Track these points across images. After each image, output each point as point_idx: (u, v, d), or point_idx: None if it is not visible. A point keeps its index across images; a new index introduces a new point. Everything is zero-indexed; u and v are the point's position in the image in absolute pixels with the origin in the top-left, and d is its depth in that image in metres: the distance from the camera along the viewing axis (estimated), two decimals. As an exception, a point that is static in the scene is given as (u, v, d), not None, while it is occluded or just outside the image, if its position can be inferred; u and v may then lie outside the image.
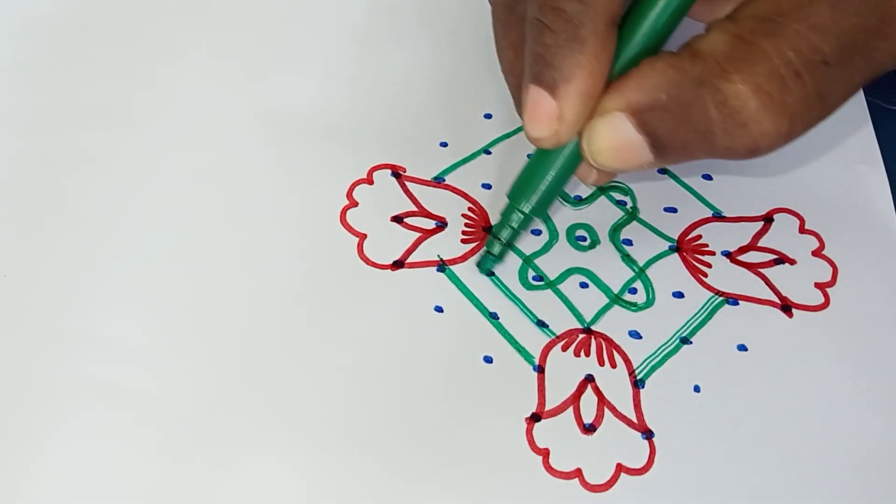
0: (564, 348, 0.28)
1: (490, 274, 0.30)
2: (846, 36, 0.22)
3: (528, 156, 0.28)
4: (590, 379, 0.28)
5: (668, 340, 0.29)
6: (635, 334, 0.29)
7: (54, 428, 0.26)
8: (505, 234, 0.29)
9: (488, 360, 0.28)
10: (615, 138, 0.24)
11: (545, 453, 0.27)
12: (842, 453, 0.27)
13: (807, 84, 0.23)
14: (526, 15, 0.25)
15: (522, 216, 0.28)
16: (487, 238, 0.29)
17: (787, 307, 0.30)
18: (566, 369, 0.28)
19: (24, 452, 0.26)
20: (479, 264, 0.30)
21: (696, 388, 0.28)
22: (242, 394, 0.27)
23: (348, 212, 0.31)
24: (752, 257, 0.31)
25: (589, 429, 0.27)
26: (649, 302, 0.30)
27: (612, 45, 0.24)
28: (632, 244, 0.31)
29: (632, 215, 0.32)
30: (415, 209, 0.31)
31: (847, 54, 0.23)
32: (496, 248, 0.29)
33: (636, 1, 0.25)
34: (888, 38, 0.23)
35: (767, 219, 0.32)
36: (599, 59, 0.24)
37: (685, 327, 0.29)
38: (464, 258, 0.30)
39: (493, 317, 0.29)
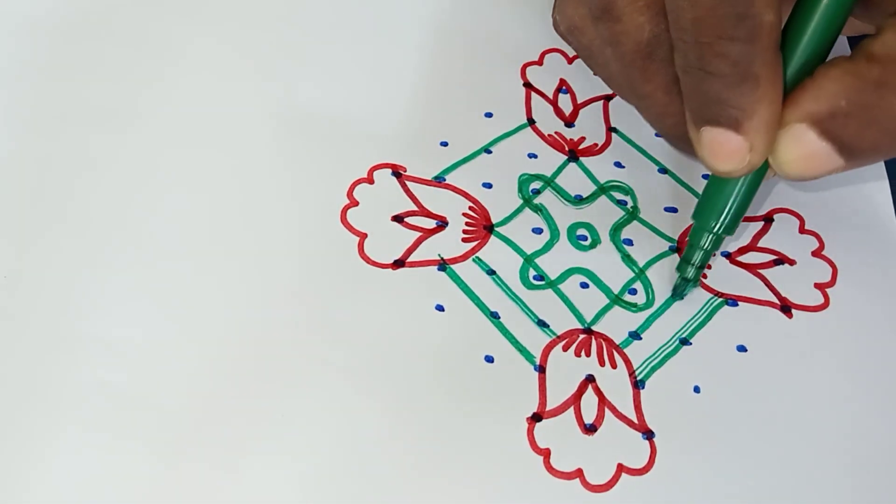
0: (565, 348, 0.29)
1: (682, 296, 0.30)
2: None
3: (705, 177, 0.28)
4: (590, 379, 0.28)
5: (668, 341, 0.29)
6: (635, 335, 0.29)
7: (56, 429, 0.26)
8: (697, 258, 0.29)
9: (489, 359, 0.28)
10: (801, 149, 0.25)
11: (546, 453, 0.27)
12: (842, 453, 0.27)
13: None
14: (673, 59, 0.25)
15: (714, 237, 0.28)
16: (678, 264, 0.29)
17: (786, 308, 0.30)
18: (567, 369, 0.28)
19: (26, 453, 0.26)
20: (674, 292, 0.30)
21: (696, 389, 0.28)
22: (243, 394, 0.27)
23: (349, 211, 0.31)
24: (751, 258, 0.31)
25: (590, 429, 0.27)
26: (649, 303, 0.30)
27: (780, 66, 0.24)
28: (632, 244, 0.31)
29: (632, 215, 0.32)
30: (415, 208, 0.31)
31: None
32: (691, 273, 0.29)
33: (795, 11, 0.25)
34: None
35: (767, 219, 0.32)
36: (776, 86, 0.24)
37: (685, 328, 0.29)
38: (464, 257, 0.30)
39: (493, 316, 0.29)
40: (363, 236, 0.30)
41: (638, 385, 0.28)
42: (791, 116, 0.25)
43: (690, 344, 0.29)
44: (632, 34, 0.27)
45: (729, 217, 0.27)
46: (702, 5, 0.23)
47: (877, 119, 0.24)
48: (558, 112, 0.34)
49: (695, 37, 0.24)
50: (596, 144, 0.33)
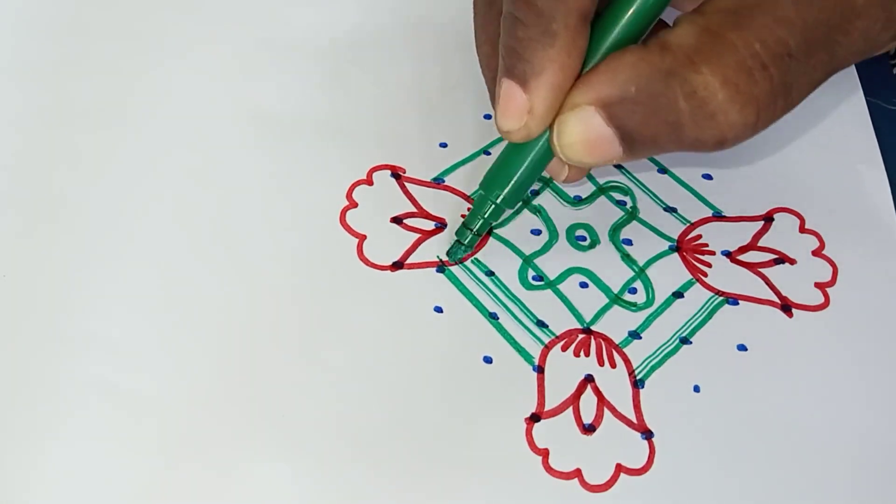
0: (564, 348, 0.28)
1: (459, 262, 0.30)
2: (810, 30, 0.23)
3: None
4: (589, 379, 0.28)
5: (668, 340, 0.29)
6: (635, 334, 0.29)
7: (53, 428, 0.26)
8: (476, 224, 0.29)
9: (488, 360, 0.28)
10: (585, 132, 0.25)
11: (545, 453, 0.27)
12: (842, 453, 0.27)
13: (773, 76, 0.23)
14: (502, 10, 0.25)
15: (493, 206, 0.28)
16: (458, 227, 0.29)
17: (787, 307, 0.30)
18: (566, 369, 0.28)
19: (24, 452, 0.26)
20: (448, 253, 0.30)
21: (696, 388, 0.28)
22: (242, 394, 0.27)
23: (348, 213, 0.31)
24: (752, 257, 0.31)
25: (588, 429, 0.27)
26: (649, 302, 0.30)
27: (584, 40, 0.24)
28: (632, 244, 0.31)
29: (632, 215, 0.32)
30: (414, 210, 0.31)
31: (811, 48, 0.23)
32: (466, 238, 0.29)
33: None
34: (849, 34, 0.23)
35: (767, 218, 0.32)
36: (570, 53, 0.24)
37: (685, 327, 0.29)
38: (463, 259, 0.30)
39: (492, 317, 0.29)
40: (362, 238, 0.30)
41: (637, 384, 0.28)
42: (580, 98, 0.24)
43: (690, 343, 0.29)
44: None
45: (509, 190, 0.27)
46: None
47: (661, 109, 0.23)
48: (557, 113, 0.34)
49: None
50: (595, 145, 0.33)
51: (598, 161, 0.25)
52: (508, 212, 0.29)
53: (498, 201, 0.28)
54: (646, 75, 0.23)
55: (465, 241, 0.29)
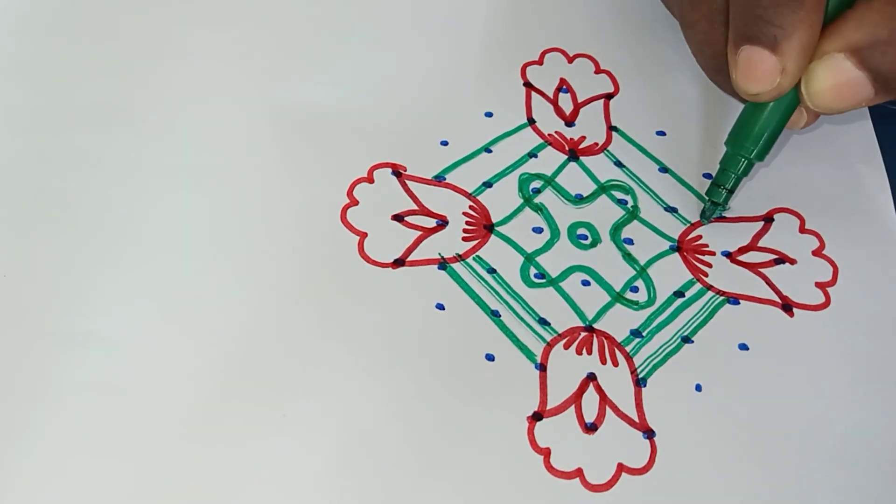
0: (566, 346, 0.28)
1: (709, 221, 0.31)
2: None
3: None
4: (591, 377, 0.28)
5: (670, 339, 0.29)
6: (637, 333, 0.29)
7: (53, 427, 0.26)
8: (729, 183, 0.30)
9: (490, 357, 0.28)
10: (836, 78, 0.26)
11: (546, 453, 0.27)
12: (842, 452, 0.27)
13: None
14: None
15: (746, 162, 0.29)
16: (709, 188, 0.30)
17: (787, 306, 0.30)
18: (568, 368, 0.28)
19: (23, 452, 0.26)
20: (703, 214, 0.31)
21: (698, 388, 0.28)
22: (242, 393, 0.27)
23: (349, 210, 0.31)
24: (752, 257, 0.31)
25: (590, 428, 0.27)
26: (650, 300, 0.30)
27: None
28: (633, 243, 0.31)
29: (633, 214, 0.32)
30: (415, 208, 0.31)
31: None
32: (721, 197, 0.30)
33: None
34: None
35: (767, 219, 0.32)
36: (818, 10, 0.26)
37: (686, 326, 0.29)
38: (465, 256, 0.30)
39: (494, 315, 0.29)
40: (363, 235, 0.30)
41: (639, 383, 0.28)
42: (830, 46, 0.26)
43: (692, 342, 0.29)
44: None
45: (762, 142, 0.29)
46: None
47: None
48: (558, 111, 0.34)
49: None
50: (596, 144, 0.33)
51: (847, 105, 0.27)
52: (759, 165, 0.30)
53: (752, 157, 0.29)
54: None
55: (721, 200, 0.30)
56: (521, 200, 0.32)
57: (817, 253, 0.31)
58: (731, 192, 0.30)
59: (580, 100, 0.34)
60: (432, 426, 0.27)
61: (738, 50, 0.27)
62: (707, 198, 0.31)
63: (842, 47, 0.26)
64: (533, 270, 0.30)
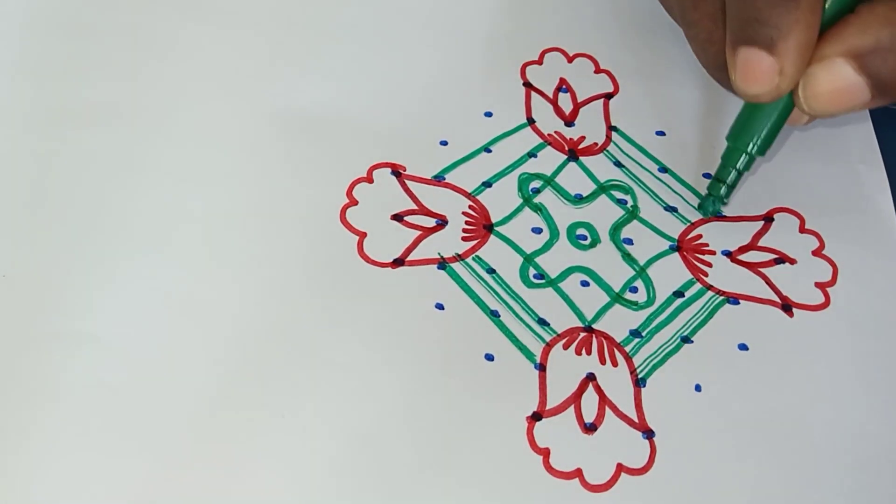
0: (566, 346, 0.28)
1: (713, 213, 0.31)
2: None
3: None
4: (591, 378, 0.28)
5: (669, 339, 0.29)
6: (636, 333, 0.29)
7: (53, 428, 0.26)
8: (729, 177, 0.30)
9: (489, 357, 0.28)
10: (834, 83, 0.26)
11: (545, 453, 0.26)
12: (842, 453, 0.27)
13: None
14: None
15: (747, 157, 0.29)
16: (711, 182, 0.31)
17: (787, 306, 0.30)
18: (567, 368, 0.28)
19: (23, 452, 0.26)
20: (702, 207, 0.31)
21: (697, 388, 0.28)
22: (242, 392, 0.27)
23: (348, 210, 0.31)
24: (752, 257, 0.31)
25: (590, 428, 0.27)
26: (650, 301, 0.30)
27: None
28: (632, 243, 0.31)
29: (632, 214, 0.32)
30: (415, 207, 0.31)
31: None
32: (720, 190, 0.30)
33: None
34: None
35: (767, 218, 0.32)
36: (814, 12, 0.26)
37: (686, 326, 0.29)
38: (464, 256, 0.30)
39: (493, 315, 0.29)
40: (362, 235, 0.30)
41: (639, 383, 0.28)
42: (830, 50, 0.26)
43: (692, 342, 0.29)
44: None
45: (762, 138, 0.29)
46: None
47: None
48: (558, 111, 0.34)
49: None
50: (596, 143, 0.33)
51: (841, 110, 0.27)
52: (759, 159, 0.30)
53: (753, 151, 0.29)
54: None
55: (721, 194, 0.30)
56: (521, 200, 0.32)
57: (817, 253, 0.31)
58: (731, 186, 0.30)
59: (580, 99, 0.34)
60: (432, 426, 0.27)
61: (735, 51, 0.27)
62: (708, 192, 0.31)
63: (842, 52, 0.26)
64: (532, 271, 0.30)
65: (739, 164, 0.30)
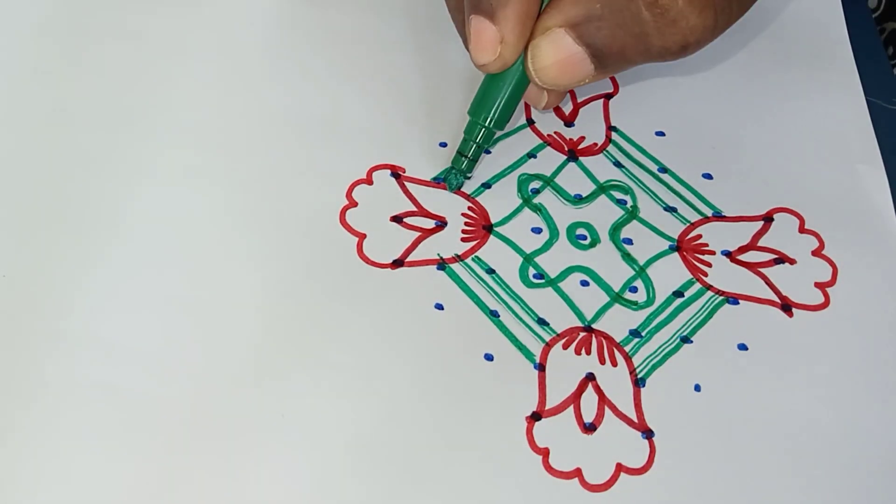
0: (565, 346, 0.28)
1: (458, 188, 0.32)
2: None
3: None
4: (590, 377, 0.28)
5: (669, 339, 0.29)
6: (636, 333, 0.29)
7: (53, 428, 0.26)
8: (469, 150, 0.30)
9: (489, 357, 0.28)
10: (557, 53, 0.27)
11: (545, 452, 0.26)
12: (842, 452, 0.27)
13: None
14: None
15: (485, 130, 0.30)
16: (454, 156, 0.31)
17: (787, 307, 0.30)
18: (567, 368, 0.28)
19: (23, 453, 0.26)
20: (447, 180, 0.31)
21: (697, 388, 0.28)
22: (242, 394, 0.27)
23: (348, 212, 0.31)
24: (752, 257, 0.31)
25: (589, 428, 0.27)
26: (650, 301, 0.30)
27: None
28: (632, 243, 0.31)
29: (632, 214, 0.32)
30: (414, 209, 0.31)
31: None
32: (463, 163, 0.31)
33: None
34: None
35: (767, 218, 0.32)
36: None
37: (686, 326, 0.29)
38: (464, 256, 0.30)
39: (493, 315, 0.29)
40: (362, 237, 0.30)
41: (638, 383, 0.28)
42: (551, 21, 0.27)
43: (691, 342, 0.29)
44: None
45: (498, 112, 0.30)
46: None
47: (626, 22, 0.26)
48: (558, 112, 0.34)
49: None
50: (595, 144, 0.33)
51: (571, 81, 0.28)
52: (499, 133, 0.31)
53: (490, 125, 0.30)
54: None
55: (462, 167, 0.31)
56: (520, 201, 0.32)
57: (817, 253, 0.31)
58: (473, 160, 0.31)
59: (579, 100, 0.34)
60: (431, 426, 0.27)
61: (469, 21, 0.27)
62: (451, 165, 0.31)
63: (561, 22, 0.26)
64: (532, 271, 0.30)
65: (477, 137, 0.30)
